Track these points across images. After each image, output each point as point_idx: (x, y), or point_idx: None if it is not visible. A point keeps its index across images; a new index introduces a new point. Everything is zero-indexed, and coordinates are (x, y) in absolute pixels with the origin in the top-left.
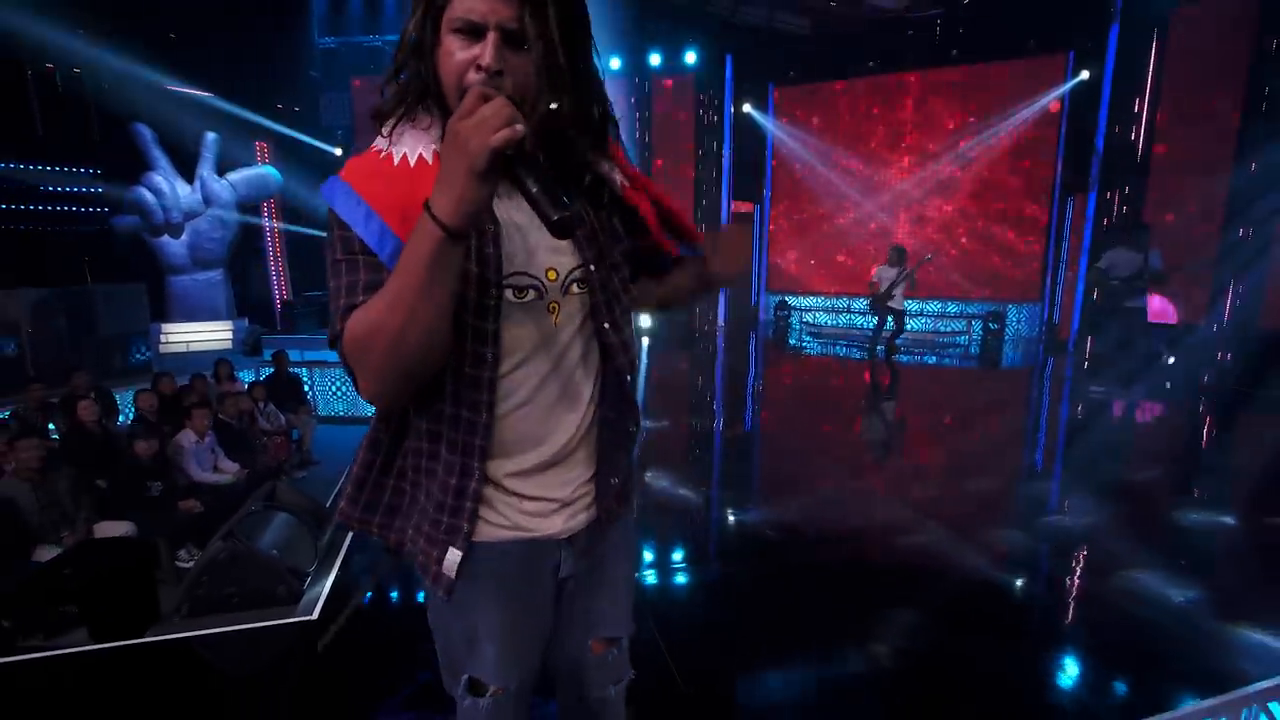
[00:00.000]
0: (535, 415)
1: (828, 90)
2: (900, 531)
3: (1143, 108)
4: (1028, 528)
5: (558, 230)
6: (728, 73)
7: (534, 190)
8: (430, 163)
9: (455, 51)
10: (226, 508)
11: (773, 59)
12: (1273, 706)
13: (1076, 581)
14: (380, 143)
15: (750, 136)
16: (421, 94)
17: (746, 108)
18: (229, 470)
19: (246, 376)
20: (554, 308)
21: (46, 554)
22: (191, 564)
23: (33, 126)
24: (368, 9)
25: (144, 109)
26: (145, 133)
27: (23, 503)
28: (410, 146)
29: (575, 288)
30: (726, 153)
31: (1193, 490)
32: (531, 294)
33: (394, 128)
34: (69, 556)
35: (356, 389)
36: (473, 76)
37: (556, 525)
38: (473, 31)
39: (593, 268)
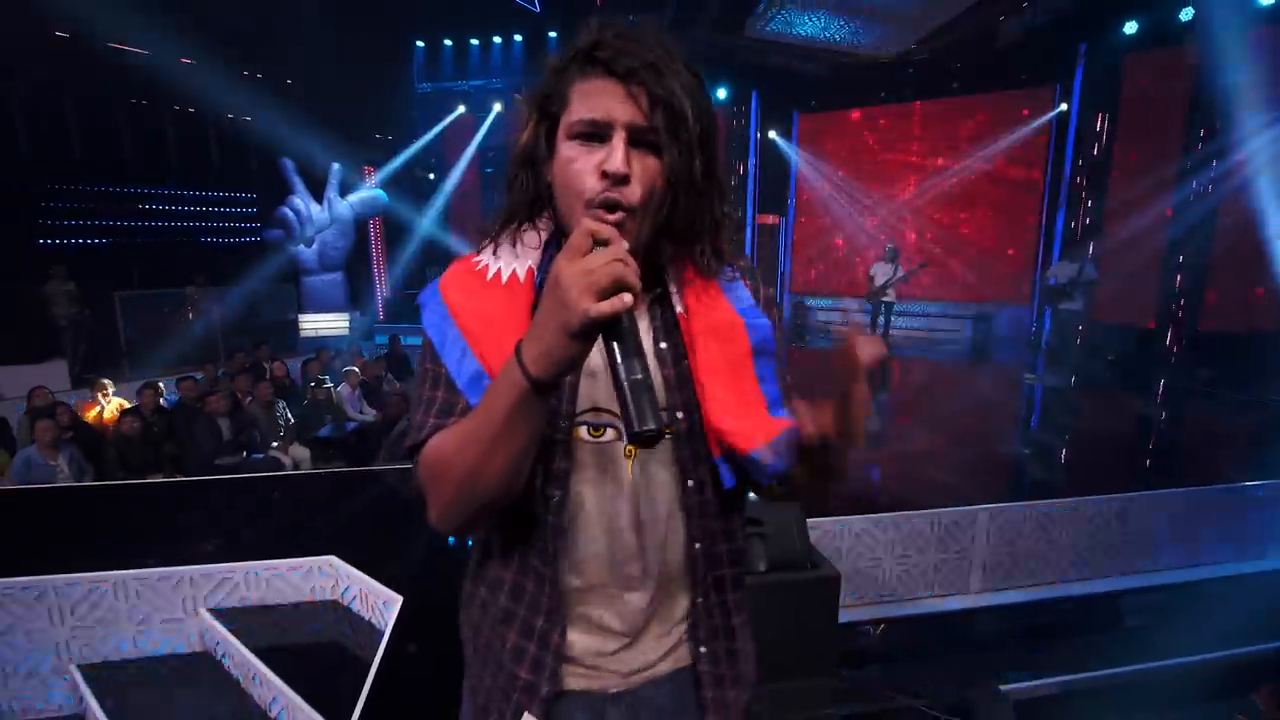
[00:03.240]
0: (603, 575)
1: (844, 118)
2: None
3: (1103, 136)
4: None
5: (635, 440)
6: (754, 104)
7: (624, 380)
8: (523, 280)
9: (575, 158)
10: (370, 440)
11: (795, 92)
12: None
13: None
14: (483, 254)
15: (777, 158)
16: (532, 209)
17: (772, 134)
18: (370, 414)
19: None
20: (631, 452)
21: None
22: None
23: (211, 163)
24: (456, 60)
25: (287, 146)
26: (288, 164)
27: (261, 424)
28: (507, 261)
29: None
30: (752, 172)
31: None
32: (610, 433)
33: (498, 239)
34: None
35: (427, 511)
36: (595, 185)
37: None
38: (596, 134)
39: (679, 414)
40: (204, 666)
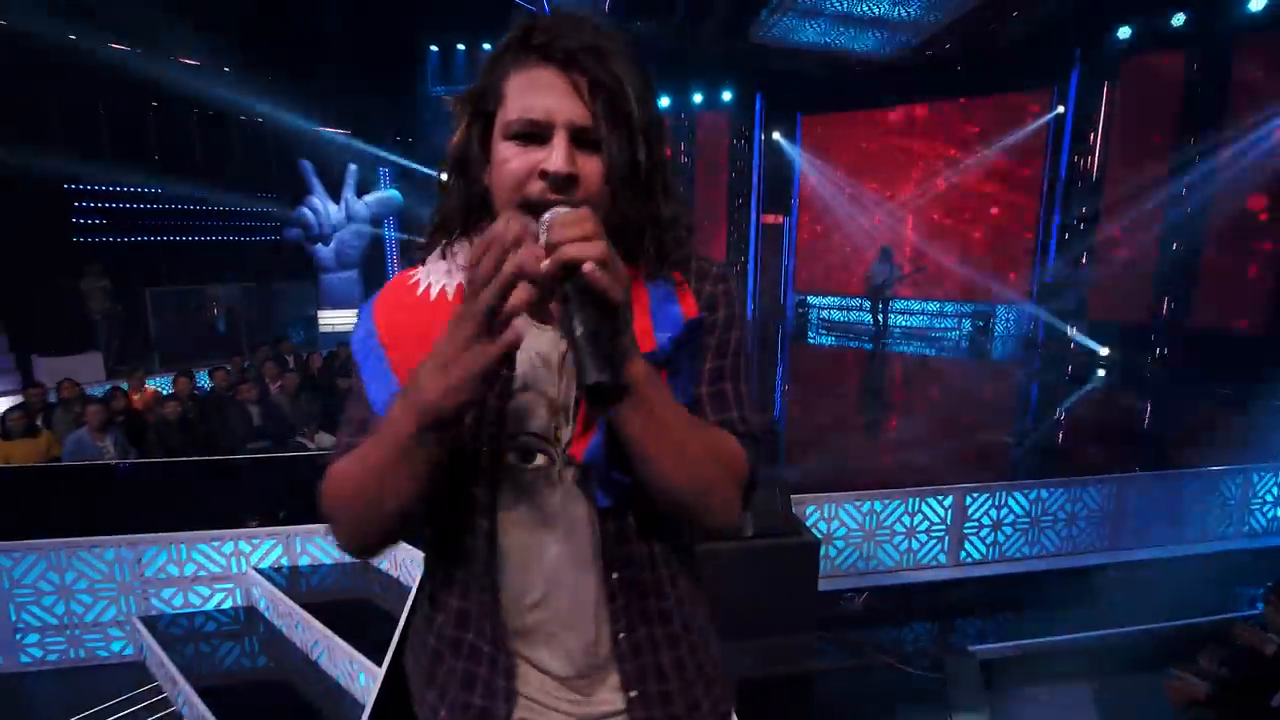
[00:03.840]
0: (539, 613)
1: (846, 119)
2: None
3: (1097, 139)
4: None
5: (591, 398)
6: (758, 106)
7: (579, 334)
8: (451, 298)
9: (511, 159)
10: None
11: (799, 95)
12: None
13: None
14: (418, 269)
15: (781, 158)
16: (468, 218)
17: (776, 135)
18: None
19: None
20: (561, 478)
21: (302, 439)
22: None
23: (233, 164)
24: (469, 65)
25: (305, 148)
26: (307, 166)
27: (287, 410)
28: (438, 277)
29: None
30: (756, 173)
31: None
32: (539, 459)
33: (429, 252)
34: None
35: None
36: (536, 186)
37: None
38: (535, 135)
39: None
40: (250, 619)
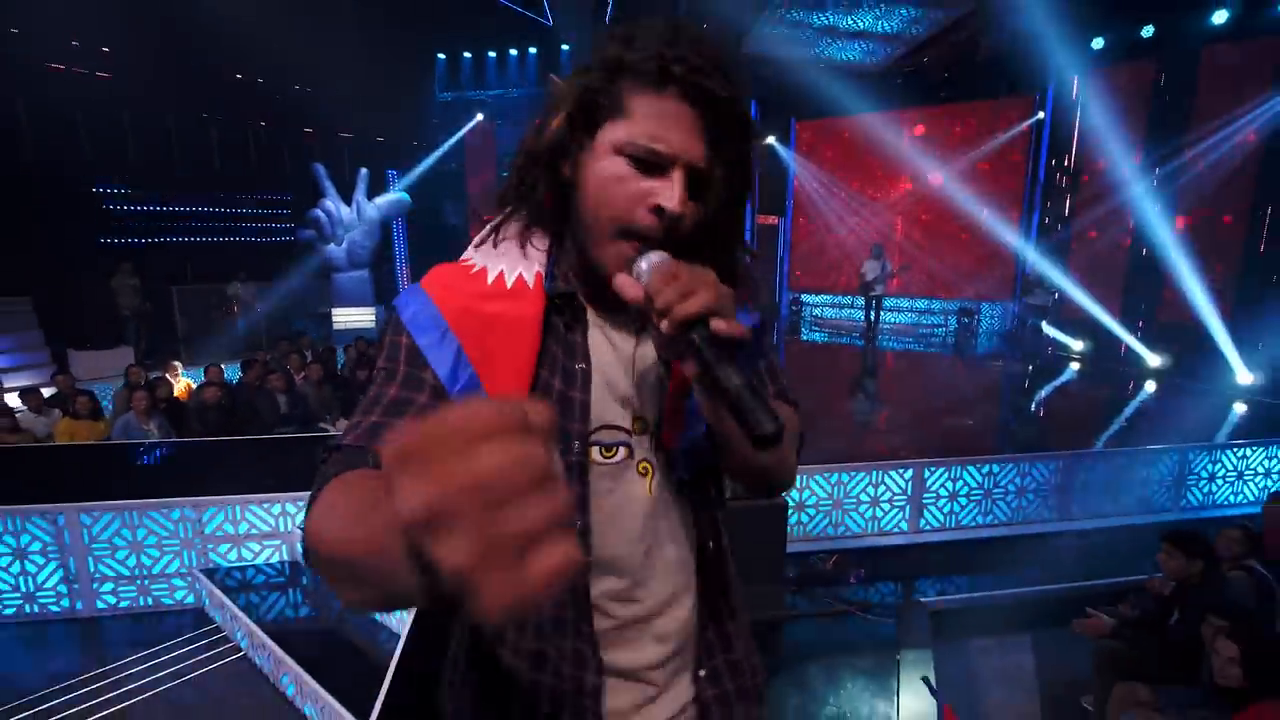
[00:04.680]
0: (629, 609)
1: (838, 125)
2: None
3: (1074, 144)
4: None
5: (762, 444)
6: (753, 112)
7: (737, 387)
8: (531, 286)
9: (629, 178)
10: None
11: (793, 101)
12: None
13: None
14: (473, 255)
15: (776, 162)
16: (540, 213)
17: (771, 139)
18: None
19: None
20: (646, 469)
21: (326, 426)
22: None
23: (251, 167)
24: (475, 72)
25: (319, 151)
26: (320, 169)
27: (312, 399)
28: (510, 264)
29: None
30: (754, 176)
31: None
32: (621, 453)
33: (497, 238)
34: None
35: None
36: (646, 218)
37: None
38: (654, 165)
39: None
40: (294, 572)
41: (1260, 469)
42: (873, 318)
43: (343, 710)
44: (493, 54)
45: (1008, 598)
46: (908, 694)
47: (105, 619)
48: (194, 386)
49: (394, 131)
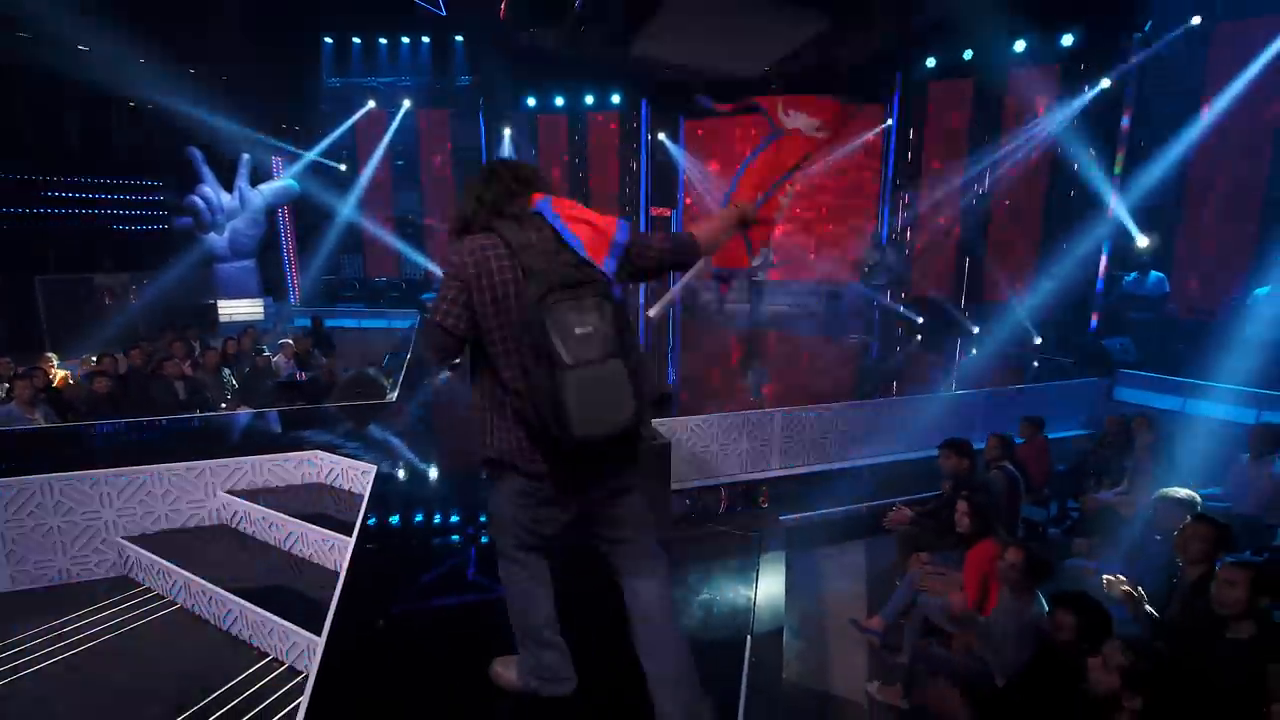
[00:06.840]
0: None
1: (721, 123)
2: None
3: (915, 147)
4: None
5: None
6: (644, 110)
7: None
8: None
9: None
10: (305, 395)
11: (680, 100)
12: None
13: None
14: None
15: (669, 156)
16: None
17: (661, 136)
18: (301, 377)
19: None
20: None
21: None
22: None
23: (117, 149)
24: (365, 57)
25: (196, 135)
26: (196, 154)
27: (209, 387)
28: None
29: None
30: (644, 170)
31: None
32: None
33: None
34: None
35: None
36: None
37: None
38: None
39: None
40: (223, 534)
41: None
42: (754, 301)
43: (295, 627)
44: (384, 41)
45: (841, 514)
46: (764, 581)
47: (23, 593)
48: (72, 378)
49: (279, 115)
